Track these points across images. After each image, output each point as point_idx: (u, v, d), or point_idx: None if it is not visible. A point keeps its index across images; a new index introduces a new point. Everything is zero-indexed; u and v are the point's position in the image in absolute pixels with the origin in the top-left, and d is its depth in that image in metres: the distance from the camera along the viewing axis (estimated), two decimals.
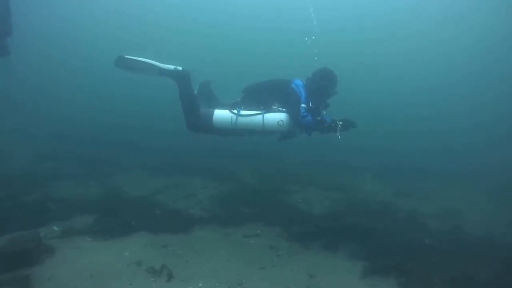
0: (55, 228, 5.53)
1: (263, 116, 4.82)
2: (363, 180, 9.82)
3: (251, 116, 4.87)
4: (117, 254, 4.77)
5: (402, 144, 13.98)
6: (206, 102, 5.35)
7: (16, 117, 13.00)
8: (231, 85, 5.85)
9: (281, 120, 4.81)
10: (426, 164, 11.80)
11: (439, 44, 27.61)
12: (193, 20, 28.64)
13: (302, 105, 4.76)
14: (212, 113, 5.00)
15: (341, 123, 4.76)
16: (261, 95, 5.01)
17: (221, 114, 4.97)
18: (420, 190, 9.09)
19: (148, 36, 27.26)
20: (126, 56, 5.12)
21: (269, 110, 4.92)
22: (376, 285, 4.52)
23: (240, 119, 4.86)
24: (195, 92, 5.43)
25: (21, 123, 12.48)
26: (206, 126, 5.02)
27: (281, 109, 4.94)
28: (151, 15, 28.58)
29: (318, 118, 4.81)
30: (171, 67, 5.19)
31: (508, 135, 16.77)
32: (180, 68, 5.21)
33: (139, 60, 5.13)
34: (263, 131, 4.91)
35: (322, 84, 4.96)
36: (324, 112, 5.07)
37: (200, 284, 4.24)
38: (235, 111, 4.90)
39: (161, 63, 5.19)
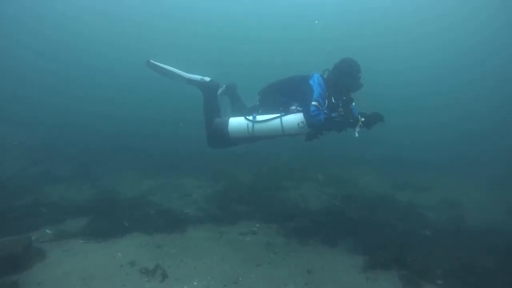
0: (47, 231, 5.40)
1: (281, 120, 4.29)
2: (360, 173, 9.72)
3: (268, 121, 4.34)
4: (110, 256, 4.65)
5: (398, 136, 13.90)
6: (230, 106, 4.97)
7: (5, 122, 12.76)
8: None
9: (301, 121, 4.22)
10: (423, 155, 11.74)
11: (433, 37, 27.65)
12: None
13: (313, 103, 4.14)
14: (227, 122, 4.50)
15: (363, 119, 4.27)
16: (277, 96, 4.50)
17: (236, 122, 4.45)
18: (418, 181, 9.00)
19: (141, 36, 27.18)
20: (151, 61, 4.86)
21: (287, 111, 4.37)
22: (377, 279, 4.42)
23: (257, 125, 4.33)
24: (219, 91, 5.04)
25: (11, 128, 12.25)
26: (224, 137, 4.51)
27: (300, 109, 4.36)
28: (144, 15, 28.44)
29: (333, 114, 4.23)
30: (198, 77, 4.90)
31: (502, 125, 16.81)
32: (208, 79, 4.89)
33: (164, 68, 4.87)
34: (284, 135, 4.39)
35: (342, 77, 4.38)
36: (354, 104, 4.49)
37: (195, 283, 4.12)
38: (250, 118, 4.38)
39: (187, 72, 4.91)
